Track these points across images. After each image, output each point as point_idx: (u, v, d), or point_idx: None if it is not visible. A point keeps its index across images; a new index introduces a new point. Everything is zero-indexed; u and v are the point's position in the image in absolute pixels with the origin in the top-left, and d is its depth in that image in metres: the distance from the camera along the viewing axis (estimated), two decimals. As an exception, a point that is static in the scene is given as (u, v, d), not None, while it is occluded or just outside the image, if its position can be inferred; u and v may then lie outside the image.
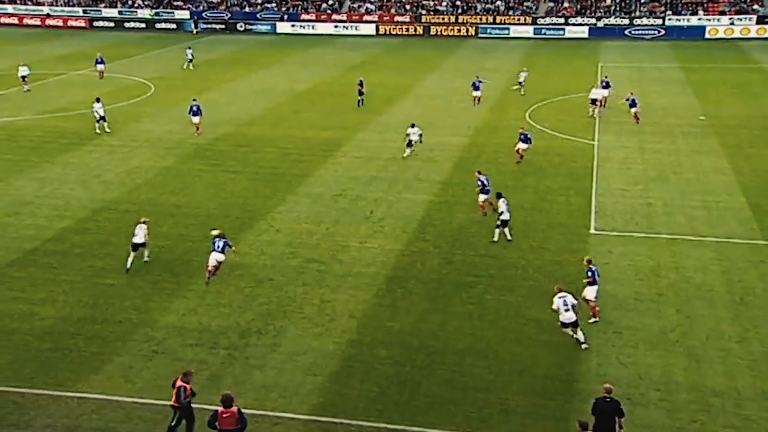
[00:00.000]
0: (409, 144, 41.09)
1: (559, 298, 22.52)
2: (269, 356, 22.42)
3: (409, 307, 25.26)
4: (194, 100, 47.24)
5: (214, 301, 25.70)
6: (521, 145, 39.87)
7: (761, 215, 32.66)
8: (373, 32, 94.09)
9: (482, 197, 32.48)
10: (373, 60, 76.07)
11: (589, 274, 24.14)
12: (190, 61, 70.90)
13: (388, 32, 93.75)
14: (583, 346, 22.44)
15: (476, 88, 53.72)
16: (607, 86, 52.88)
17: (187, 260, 28.89)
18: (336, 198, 35.39)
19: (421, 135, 41.50)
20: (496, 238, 30.06)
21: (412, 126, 41.50)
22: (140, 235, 27.94)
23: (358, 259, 28.91)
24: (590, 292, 24.09)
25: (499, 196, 30.52)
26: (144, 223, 28.43)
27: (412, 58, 77.71)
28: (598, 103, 50.20)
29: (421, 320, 24.40)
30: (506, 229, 30.07)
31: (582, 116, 49.66)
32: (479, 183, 32.49)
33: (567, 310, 22.36)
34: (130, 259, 27.88)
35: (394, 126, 47.65)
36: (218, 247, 26.81)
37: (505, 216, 29.85)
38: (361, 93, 53.80)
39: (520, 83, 58.37)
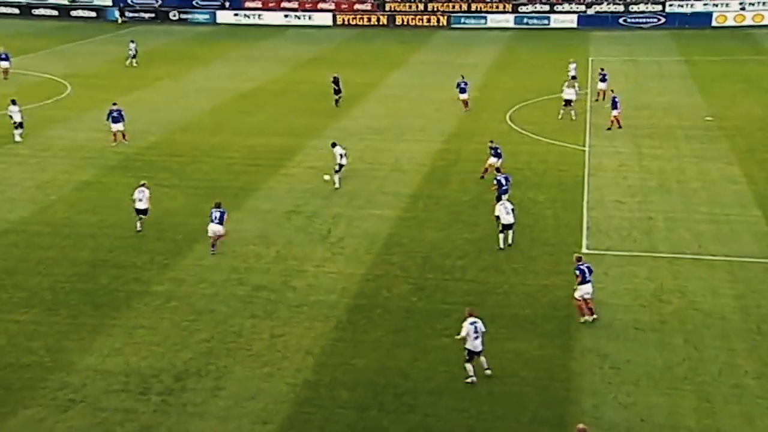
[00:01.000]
0: (339, 168, 38.33)
1: (471, 323, 22.94)
2: (211, 402, 22.21)
3: (374, 341, 25.24)
4: (114, 104, 46.60)
5: (145, 338, 25.42)
6: (492, 161, 38.85)
7: (778, 230, 33.25)
8: (330, 22, 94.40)
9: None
10: (329, 55, 76.22)
11: (577, 272, 25.56)
12: (134, 56, 70.51)
13: (346, 22, 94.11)
14: (488, 372, 22.95)
15: (462, 91, 53.09)
16: (604, 79, 53.69)
17: (112, 290, 28.59)
18: (288, 215, 35.33)
19: (343, 155, 38.39)
20: (501, 245, 31.17)
21: (333, 146, 38.94)
22: (143, 201, 32.60)
23: (314, 285, 28.85)
24: (580, 291, 25.55)
25: (498, 199, 31.66)
26: (143, 185, 32.97)
27: (375, 52, 78.13)
28: (573, 104, 50.33)
29: (389, 356, 24.38)
30: (510, 232, 31.13)
31: (571, 118, 50.02)
32: (495, 182, 33.91)
33: (477, 338, 22.87)
34: (138, 224, 33.04)
35: (354, 131, 47.78)
36: (215, 218, 30.74)
37: (505, 220, 30.87)
38: (337, 92, 53.83)
39: (572, 77, 57.66)
